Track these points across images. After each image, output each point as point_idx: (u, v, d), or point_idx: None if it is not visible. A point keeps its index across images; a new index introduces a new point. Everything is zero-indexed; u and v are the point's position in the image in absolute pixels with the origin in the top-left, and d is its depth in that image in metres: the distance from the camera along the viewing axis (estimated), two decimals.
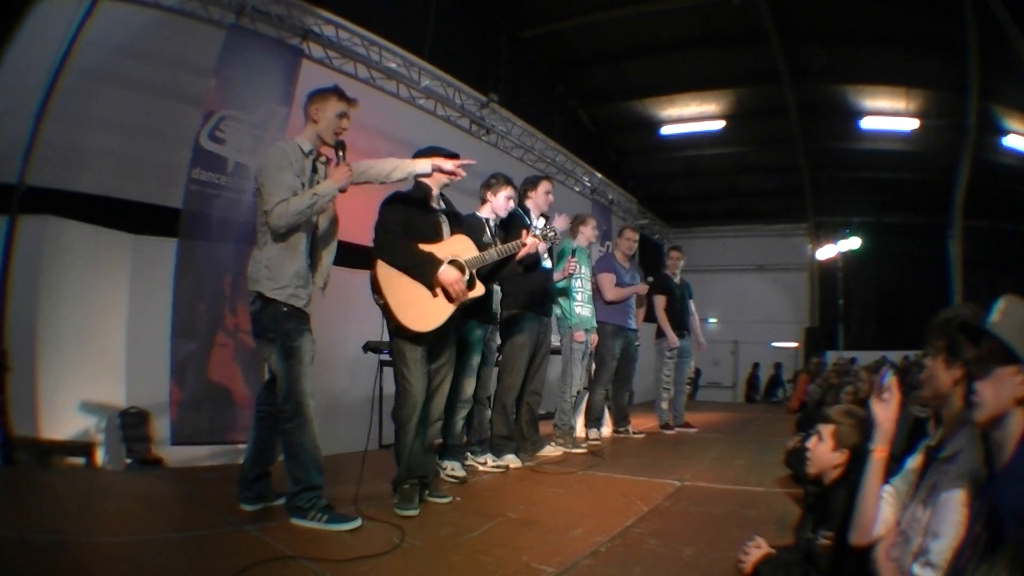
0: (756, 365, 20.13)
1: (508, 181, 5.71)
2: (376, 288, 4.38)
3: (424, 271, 4.38)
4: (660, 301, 8.88)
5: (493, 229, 5.53)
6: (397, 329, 4.38)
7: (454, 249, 4.60)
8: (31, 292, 6.69)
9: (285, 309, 3.85)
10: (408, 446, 4.44)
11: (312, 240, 4.12)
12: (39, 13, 6.52)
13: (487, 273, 4.87)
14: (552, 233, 5.22)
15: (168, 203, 7.37)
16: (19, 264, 6.38)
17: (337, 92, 4.15)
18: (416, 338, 4.40)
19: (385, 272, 4.39)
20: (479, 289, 4.64)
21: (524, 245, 4.96)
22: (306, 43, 8.66)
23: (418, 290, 4.40)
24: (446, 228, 4.73)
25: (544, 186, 6.39)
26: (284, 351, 3.84)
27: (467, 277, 4.57)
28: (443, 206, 4.84)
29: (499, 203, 5.60)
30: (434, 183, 4.67)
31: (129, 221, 7.61)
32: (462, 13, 13.15)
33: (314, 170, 4.10)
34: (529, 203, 6.31)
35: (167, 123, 7.62)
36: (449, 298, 4.45)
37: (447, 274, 4.38)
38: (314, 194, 3.87)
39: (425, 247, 4.46)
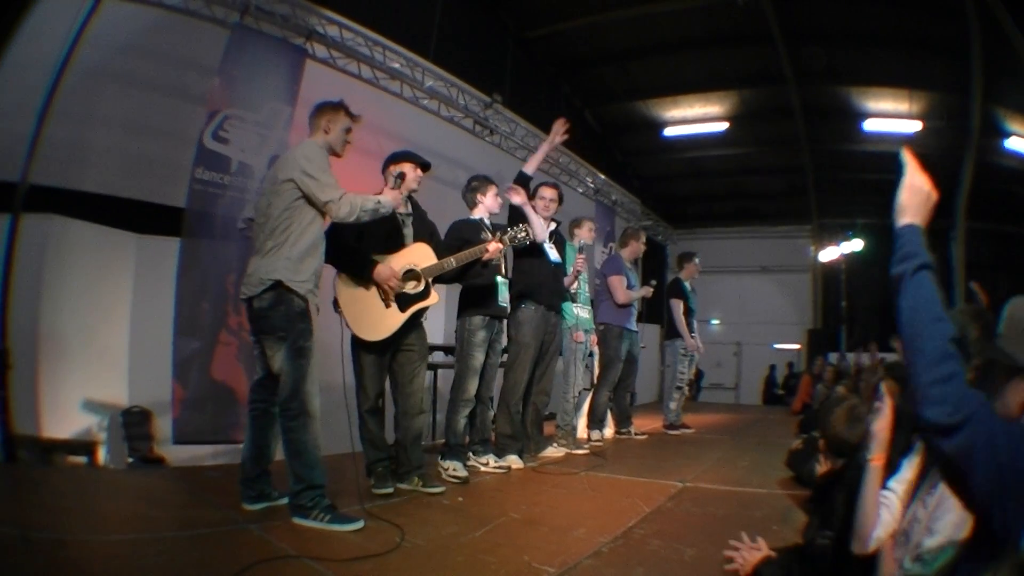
0: (773, 367, 20.11)
1: (491, 180, 5.84)
2: (335, 297, 4.62)
3: (359, 271, 4.58)
4: (678, 305, 8.95)
5: (490, 226, 5.58)
6: (353, 337, 4.63)
7: (411, 258, 4.76)
8: (34, 290, 6.70)
9: (298, 308, 3.90)
10: (370, 431, 4.77)
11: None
12: (42, 10, 6.53)
13: (452, 278, 5.13)
14: (523, 235, 5.26)
15: (171, 202, 7.38)
16: (22, 262, 6.38)
17: (345, 108, 4.31)
18: (367, 346, 4.65)
19: (342, 284, 4.61)
20: (434, 297, 4.81)
21: (487, 251, 5.04)
22: (310, 43, 8.65)
23: (370, 301, 4.60)
24: (409, 233, 4.90)
25: (548, 193, 6.47)
26: (295, 350, 3.88)
27: (423, 286, 4.73)
28: (409, 209, 4.99)
29: (490, 202, 5.69)
30: (402, 187, 4.76)
31: (132, 220, 7.63)
32: (467, 13, 13.13)
33: None
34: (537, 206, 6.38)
35: (171, 122, 7.64)
36: (401, 307, 4.64)
37: (381, 272, 4.55)
38: (378, 201, 4.14)
39: (383, 258, 4.62)
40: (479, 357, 5.50)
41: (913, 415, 1.61)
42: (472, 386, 5.48)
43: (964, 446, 1.47)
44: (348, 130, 4.28)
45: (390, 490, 4.58)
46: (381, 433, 4.83)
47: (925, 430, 1.54)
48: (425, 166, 4.96)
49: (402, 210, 4.86)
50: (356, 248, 4.59)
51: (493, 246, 5.08)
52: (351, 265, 4.57)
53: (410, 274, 4.68)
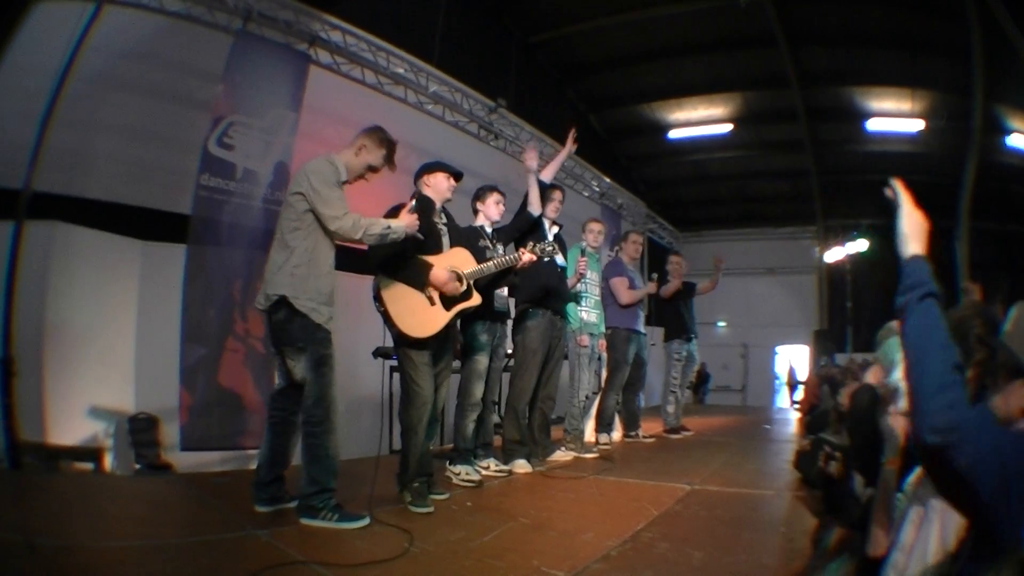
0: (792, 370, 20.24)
1: (494, 187, 5.84)
2: (377, 296, 4.55)
3: (416, 275, 4.55)
4: (651, 286, 8.77)
5: (489, 235, 5.63)
6: (400, 336, 4.55)
7: (453, 261, 4.77)
8: (39, 298, 6.71)
9: (314, 320, 3.92)
10: (418, 446, 4.58)
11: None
12: (43, 17, 6.54)
13: (486, 284, 5.08)
14: (550, 248, 5.34)
15: (177, 209, 7.39)
16: (27, 270, 6.40)
17: (390, 149, 4.33)
18: (419, 343, 4.56)
19: (386, 281, 4.55)
20: (476, 299, 4.83)
21: (520, 260, 5.10)
22: (314, 49, 8.67)
23: (416, 298, 4.58)
24: (446, 241, 4.90)
25: (559, 195, 6.52)
26: (316, 359, 3.91)
27: (464, 287, 4.75)
28: (444, 219, 5.00)
29: (490, 210, 5.71)
30: (437, 197, 4.82)
31: (138, 227, 7.64)
32: (472, 18, 13.17)
33: None
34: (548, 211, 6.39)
35: (175, 129, 7.66)
36: (446, 305, 4.64)
37: (438, 275, 4.56)
38: (388, 226, 4.07)
39: (424, 258, 4.63)
40: (483, 361, 5.50)
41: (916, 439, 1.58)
42: (479, 390, 5.49)
43: (968, 465, 1.44)
44: (372, 168, 4.27)
45: (430, 508, 4.39)
46: (429, 448, 4.77)
47: (928, 453, 1.50)
48: (458, 176, 4.99)
49: (435, 218, 4.85)
50: (408, 257, 4.56)
51: (527, 256, 5.13)
52: (407, 274, 4.55)
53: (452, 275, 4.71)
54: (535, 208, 5.98)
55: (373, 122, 4.47)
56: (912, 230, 1.81)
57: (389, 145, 4.30)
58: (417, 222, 4.28)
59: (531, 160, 5.90)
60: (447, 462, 5.45)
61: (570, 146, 6.50)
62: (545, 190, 6.23)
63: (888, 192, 1.85)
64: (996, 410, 1.84)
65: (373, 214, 4.22)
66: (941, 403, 1.43)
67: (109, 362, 7.42)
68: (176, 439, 7.08)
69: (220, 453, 7.26)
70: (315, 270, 3.98)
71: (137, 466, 7.18)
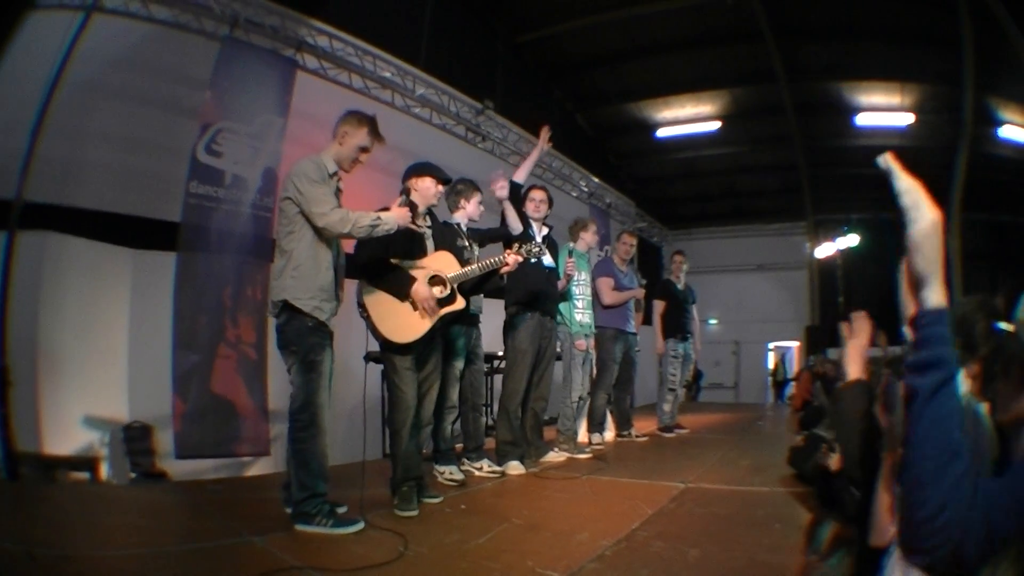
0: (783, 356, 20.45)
1: (478, 187, 5.81)
2: (360, 302, 4.56)
3: (399, 288, 4.54)
4: (659, 306, 8.91)
5: (466, 233, 5.63)
6: (385, 342, 4.57)
7: (437, 265, 4.77)
8: (32, 308, 6.69)
9: (310, 323, 3.94)
10: (404, 449, 4.59)
11: (337, 256, 4.21)
12: (33, 26, 6.53)
13: (471, 287, 5.08)
14: (537, 248, 5.33)
15: (167, 217, 7.38)
16: (19, 280, 6.38)
17: (371, 124, 4.25)
18: (403, 348, 4.57)
19: (367, 287, 4.56)
20: (460, 303, 4.80)
21: (506, 263, 5.10)
22: (300, 54, 8.67)
23: (399, 303, 4.56)
24: (430, 244, 4.89)
25: (539, 195, 6.51)
26: (304, 364, 3.92)
27: (448, 291, 4.73)
28: (428, 222, 4.98)
29: (472, 209, 5.70)
30: (422, 201, 4.77)
31: (128, 235, 7.62)
32: (457, 20, 13.14)
33: (336, 191, 4.17)
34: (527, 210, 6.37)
35: (164, 136, 7.63)
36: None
37: (419, 291, 4.53)
38: (377, 217, 4.03)
39: (408, 264, 4.64)
40: (459, 365, 5.54)
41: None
42: (454, 392, 5.52)
43: (955, 553, 1.41)
44: (363, 149, 4.20)
45: (415, 512, 4.39)
46: (419, 452, 4.77)
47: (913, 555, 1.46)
48: (445, 181, 4.97)
49: (419, 222, 4.81)
50: (392, 264, 4.57)
51: (512, 258, 5.11)
52: (389, 283, 4.54)
53: (435, 279, 4.69)
54: (516, 229, 5.98)
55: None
56: (926, 243, 1.57)
57: (369, 121, 4.24)
58: (409, 215, 4.25)
59: (501, 190, 5.83)
60: (434, 463, 5.48)
61: (543, 145, 6.44)
62: (519, 190, 6.22)
63: (882, 161, 1.63)
64: (1005, 404, 1.83)
65: None
66: (935, 526, 1.39)
67: (102, 371, 7.40)
68: (171, 447, 7.07)
69: (215, 460, 7.26)
70: (315, 268, 3.99)
71: (133, 475, 7.17)
